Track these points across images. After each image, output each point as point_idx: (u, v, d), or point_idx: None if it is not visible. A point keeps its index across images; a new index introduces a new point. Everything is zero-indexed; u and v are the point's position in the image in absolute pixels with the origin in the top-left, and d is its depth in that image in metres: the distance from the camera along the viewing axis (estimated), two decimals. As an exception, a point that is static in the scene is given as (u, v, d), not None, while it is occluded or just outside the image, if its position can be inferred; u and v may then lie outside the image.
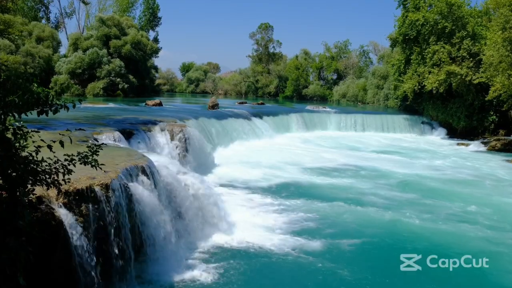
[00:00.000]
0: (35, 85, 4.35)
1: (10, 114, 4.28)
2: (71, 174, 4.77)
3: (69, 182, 4.90)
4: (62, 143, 4.56)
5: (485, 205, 13.02)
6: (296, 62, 67.43)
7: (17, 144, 4.33)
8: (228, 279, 7.55)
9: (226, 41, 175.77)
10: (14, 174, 4.25)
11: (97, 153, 4.99)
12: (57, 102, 4.43)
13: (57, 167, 4.69)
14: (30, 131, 4.46)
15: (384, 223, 10.94)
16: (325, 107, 38.47)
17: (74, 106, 4.50)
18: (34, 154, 4.42)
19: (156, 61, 61.11)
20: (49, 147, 4.44)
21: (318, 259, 8.49)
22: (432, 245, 9.43)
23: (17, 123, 4.31)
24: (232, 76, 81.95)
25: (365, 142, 27.38)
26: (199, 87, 79.65)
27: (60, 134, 4.74)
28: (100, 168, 5.01)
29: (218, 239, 9.24)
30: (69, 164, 4.75)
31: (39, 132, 4.71)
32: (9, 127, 4.28)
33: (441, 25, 29.65)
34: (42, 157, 4.54)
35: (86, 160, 4.89)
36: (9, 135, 4.27)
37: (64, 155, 4.77)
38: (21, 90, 4.21)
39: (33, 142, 4.44)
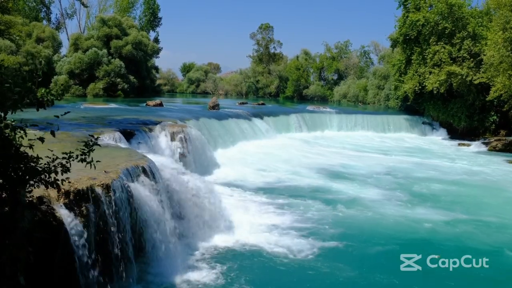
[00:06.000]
0: (30, 83, 4.41)
1: (10, 112, 4.30)
2: (69, 172, 4.76)
3: (68, 181, 4.90)
4: (53, 133, 4.57)
5: (485, 205, 13.04)
6: (297, 63, 67.34)
7: (14, 142, 4.34)
8: (229, 280, 7.55)
9: (227, 41, 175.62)
10: (14, 173, 4.25)
11: (93, 149, 4.93)
12: (53, 93, 4.56)
13: (56, 165, 4.68)
14: (24, 129, 4.48)
15: (384, 223, 10.95)
16: (325, 107, 38.43)
17: (61, 98, 4.79)
18: (31, 152, 4.43)
19: (157, 61, 60.95)
20: (41, 139, 4.44)
21: (319, 259, 8.50)
22: (432, 245, 9.45)
23: (9, 121, 4.33)
24: (233, 76, 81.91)
25: (365, 142, 27.39)
26: (199, 88, 79.54)
27: (51, 127, 4.77)
28: (94, 166, 4.99)
29: (219, 239, 9.24)
30: (67, 162, 4.75)
31: (38, 130, 4.74)
32: (9, 125, 4.29)
33: (442, 26, 29.64)
34: (37, 155, 4.54)
35: (83, 157, 4.85)
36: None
37: (62, 153, 4.77)
38: (18, 87, 4.24)
39: (30, 139, 4.46)
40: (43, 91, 4.52)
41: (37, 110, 4.56)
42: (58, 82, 42.45)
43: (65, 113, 5.13)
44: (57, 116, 4.93)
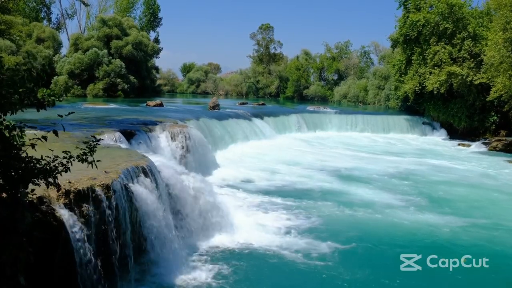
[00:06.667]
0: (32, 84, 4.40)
1: (10, 112, 4.30)
2: (69, 171, 4.75)
3: (68, 180, 4.88)
4: (56, 133, 4.56)
5: (485, 206, 13.03)
6: (297, 63, 67.35)
7: (14, 143, 4.34)
8: (229, 281, 7.55)
9: (227, 41, 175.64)
10: (14, 173, 4.25)
11: (95, 149, 4.91)
12: (54, 93, 4.56)
13: (56, 164, 4.68)
14: (23, 129, 4.47)
15: (384, 223, 10.95)
16: (326, 108, 38.43)
17: (62, 99, 4.78)
18: (33, 152, 4.42)
19: (157, 61, 60.97)
20: (44, 138, 4.42)
21: (319, 259, 8.49)
22: (432, 245, 9.45)
23: (9, 121, 4.33)
24: (233, 76, 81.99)
25: (366, 143, 27.39)
26: (200, 88, 79.61)
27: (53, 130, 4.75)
28: (96, 166, 4.97)
29: (219, 240, 9.24)
30: (67, 162, 4.73)
31: (38, 130, 4.73)
32: (10, 124, 4.29)
33: (442, 26, 29.63)
34: (42, 155, 4.54)
35: (83, 157, 4.83)
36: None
37: (63, 152, 4.77)
38: (18, 87, 4.24)
39: (33, 139, 4.45)
40: (43, 91, 4.51)
41: (38, 111, 4.56)
42: (58, 82, 42.44)
43: (69, 113, 5.10)
44: (61, 116, 4.90)
